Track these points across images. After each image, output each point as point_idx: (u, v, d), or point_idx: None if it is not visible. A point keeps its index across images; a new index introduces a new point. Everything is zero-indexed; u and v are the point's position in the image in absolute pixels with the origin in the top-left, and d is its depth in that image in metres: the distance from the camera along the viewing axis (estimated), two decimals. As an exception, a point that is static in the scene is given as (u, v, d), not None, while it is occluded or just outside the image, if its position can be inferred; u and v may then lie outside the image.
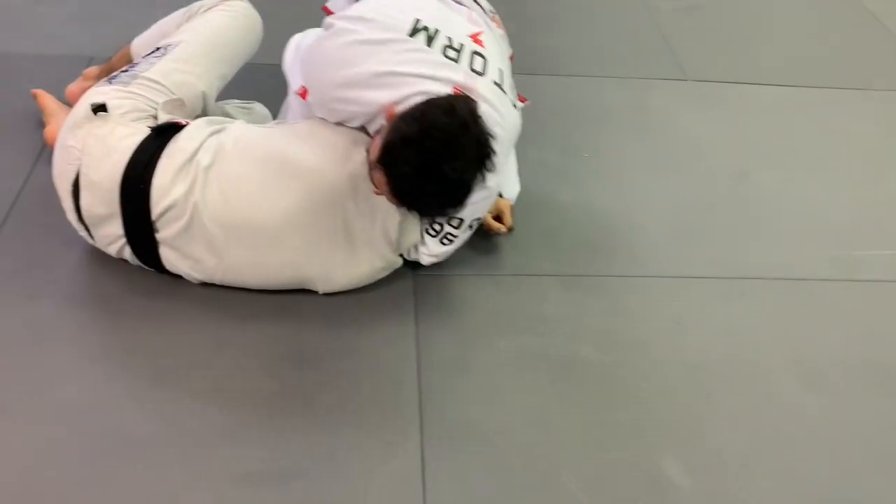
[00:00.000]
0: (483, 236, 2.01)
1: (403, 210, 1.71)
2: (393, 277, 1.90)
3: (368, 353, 1.76)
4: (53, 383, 1.64)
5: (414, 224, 1.81)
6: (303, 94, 1.81)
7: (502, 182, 2.00)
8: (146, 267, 1.82)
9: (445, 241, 1.83)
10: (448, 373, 1.73)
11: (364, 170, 1.69)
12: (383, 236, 1.77)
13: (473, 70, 1.69)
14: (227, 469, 1.53)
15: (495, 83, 1.71)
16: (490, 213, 1.97)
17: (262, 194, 1.70)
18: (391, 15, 1.70)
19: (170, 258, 1.78)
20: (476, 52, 1.71)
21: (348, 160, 1.70)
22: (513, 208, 2.04)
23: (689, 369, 1.81)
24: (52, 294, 1.81)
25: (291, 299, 1.84)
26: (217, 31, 1.99)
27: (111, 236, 1.77)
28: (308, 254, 1.75)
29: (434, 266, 1.92)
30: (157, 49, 1.94)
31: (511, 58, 2.04)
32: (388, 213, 1.75)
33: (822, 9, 3.33)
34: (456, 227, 1.80)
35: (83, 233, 1.82)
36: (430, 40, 1.67)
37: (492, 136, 1.57)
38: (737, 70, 2.85)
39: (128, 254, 1.80)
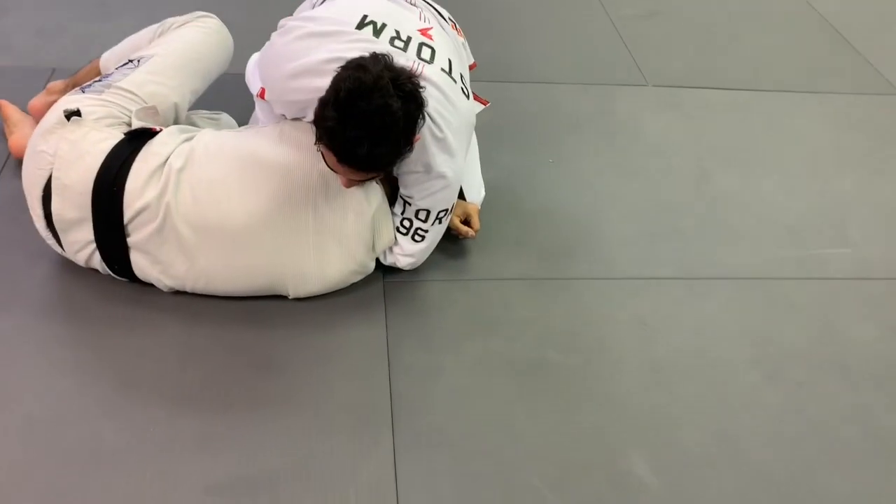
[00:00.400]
0: (452, 240, 2.04)
1: (375, 203, 1.79)
2: (363, 283, 1.92)
3: (339, 358, 1.78)
4: (22, 397, 1.63)
5: (386, 220, 1.83)
6: (261, 94, 1.85)
7: (469, 182, 2.04)
8: (116, 276, 1.82)
9: (417, 237, 1.85)
10: (418, 378, 1.76)
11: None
12: (356, 235, 1.79)
13: (420, 58, 1.73)
14: (198, 479, 1.53)
15: (443, 70, 1.74)
16: (458, 216, 2.00)
17: (232, 194, 1.72)
18: (339, 12, 1.78)
19: (140, 264, 1.78)
20: (424, 44, 1.76)
21: (318, 158, 1.71)
22: (480, 212, 2.07)
23: (654, 369, 1.85)
24: (18, 307, 1.80)
25: (262, 306, 1.85)
26: (191, 47, 2.01)
27: (81, 242, 1.77)
28: (279, 254, 1.76)
29: (404, 271, 1.94)
30: (130, 62, 1.94)
31: (473, 66, 2.08)
32: (359, 210, 1.77)
33: (776, 14, 3.42)
34: (424, 221, 1.82)
35: (51, 241, 1.81)
36: (376, 32, 1.73)
37: (410, 78, 1.57)
38: (695, 75, 2.92)
39: (97, 261, 1.80)
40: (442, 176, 1.75)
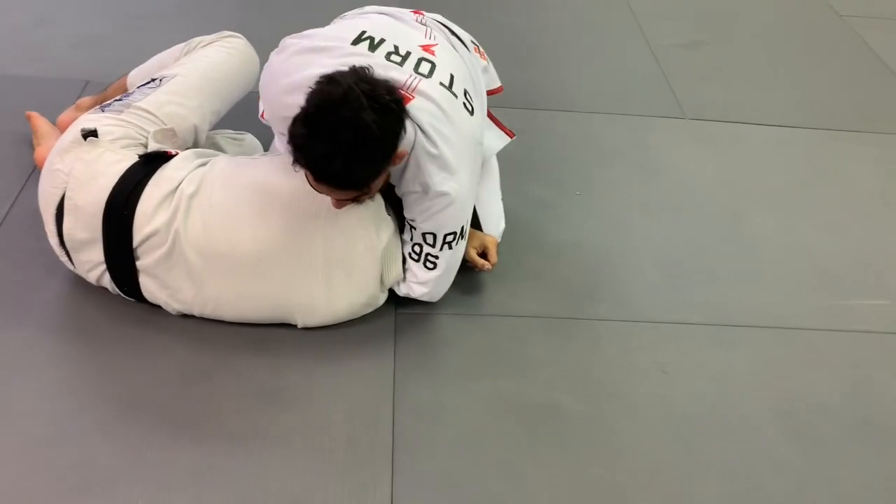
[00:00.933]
0: (468, 272, 1.98)
1: (386, 237, 1.75)
2: (375, 313, 1.87)
3: (344, 393, 1.73)
4: (23, 415, 1.62)
5: (396, 254, 1.79)
6: (262, 115, 1.84)
7: (487, 212, 1.99)
8: (125, 296, 1.81)
9: (429, 263, 1.79)
10: (423, 417, 1.70)
11: None
12: (366, 268, 1.75)
13: (418, 73, 1.68)
14: (191, 510, 1.50)
15: (442, 84, 1.69)
16: (474, 248, 1.94)
17: (242, 223, 1.70)
18: (338, 29, 1.78)
19: (149, 287, 1.76)
20: (423, 59, 1.72)
21: None
22: (498, 245, 2.01)
23: (672, 419, 1.77)
24: (28, 321, 1.80)
25: (270, 333, 1.82)
26: (214, 67, 2.00)
27: (91, 262, 1.76)
28: (287, 284, 1.73)
29: (417, 303, 1.89)
30: (153, 80, 1.94)
31: (499, 90, 2.03)
32: (369, 243, 1.73)
33: (824, 48, 3.31)
34: (432, 245, 1.76)
35: (64, 258, 1.81)
36: (373, 47, 1.70)
37: (390, 90, 1.52)
38: (736, 109, 2.83)
39: (107, 281, 1.79)
40: (442, 194, 1.68)
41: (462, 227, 1.77)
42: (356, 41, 1.71)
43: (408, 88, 1.64)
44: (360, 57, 1.65)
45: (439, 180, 1.67)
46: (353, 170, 1.51)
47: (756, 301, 2.09)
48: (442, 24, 1.90)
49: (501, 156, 2.10)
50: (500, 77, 2.08)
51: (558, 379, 1.82)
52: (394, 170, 1.68)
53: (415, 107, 1.63)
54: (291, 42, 1.76)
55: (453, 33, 1.89)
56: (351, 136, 1.46)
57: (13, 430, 1.59)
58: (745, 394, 1.85)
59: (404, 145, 1.61)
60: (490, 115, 1.98)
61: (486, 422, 1.71)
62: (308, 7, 3.04)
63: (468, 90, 1.76)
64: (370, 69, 1.54)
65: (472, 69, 1.86)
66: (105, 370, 1.73)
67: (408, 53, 1.71)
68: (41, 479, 1.52)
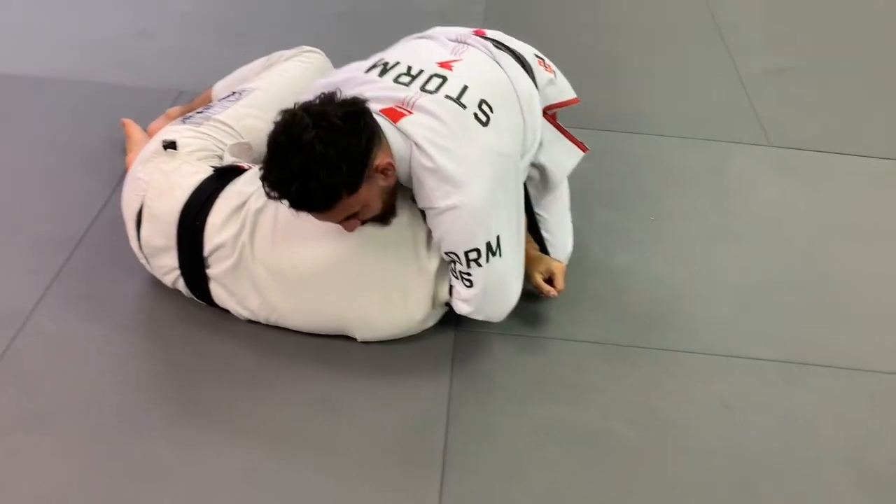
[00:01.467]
0: (529, 296, 1.97)
1: (436, 261, 1.76)
2: (435, 331, 1.89)
3: (399, 406, 1.76)
4: (95, 406, 1.71)
5: (447, 276, 1.80)
6: None
7: (556, 235, 1.98)
8: (197, 300, 1.89)
9: (465, 281, 1.74)
10: (475, 437, 1.71)
11: (401, 219, 1.73)
12: (419, 288, 1.77)
13: (424, 90, 1.69)
14: (242, 511, 1.55)
15: (448, 97, 1.68)
16: (541, 274, 1.93)
17: (304, 239, 1.74)
18: (361, 61, 1.81)
19: (219, 294, 1.84)
20: (436, 75, 1.72)
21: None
22: (566, 270, 1.99)
23: (731, 458, 1.71)
24: (107, 318, 1.90)
25: (332, 344, 1.86)
26: (292, 81, 2.07)
27: (166, 267, 1.85)
28: (345, 300, 1.77)
29: (475, 323, 1.89)
30: (234, 94, 2.03)
31: (573, 101, 1.99)
32: (421, 266, 1.75)
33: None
34: (460, 263, 1.71)
35: (143, 261, 1.91)
36: (384, 72, 1.74)
37: (345, 106, 1.56)
38: (825, 138, 2.72)
39: (181, 285, 1.87)
40: (448, 209, 1.63)
41: (487, 244, 1.68)
42: (368, 70, 1.76)
43: (406, 104, 1.66)
44: (369, 84, 1.71)
45: (441, 195, 1.63)
46: (311, 190, 1.53)
47: (832, 340, 2.00)
48: (497, 41, 1.88)
49: (570, 176, 2.09)
50: (580, 98, 2.06)
51: (615, 407, 1.79)
52: (406, 183, 1.70)
53: (409, 121, 1.64)
54: (317, 83, 1.82)
55: (508, 48, 1.87)
56: (298, 158, 1.50)
57: (84, 421, 1.68)
58: (814, 437, 1.77)
59: (398, 158, 1.63)
60: (560, 128, 1.94)
61: (539, 446, 1.70)
62: (393, 27, 3.11)
63: (487, 100, 1.71)
64: (339, 93, 1.59)
65: (518, 82, 1.81)
66: (173, 369, 1.81)
67: (420, 72, 1.72)
68: (106, 469, 1.60)
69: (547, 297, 1.92)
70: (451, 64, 1.76)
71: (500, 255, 1.71)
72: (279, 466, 1.63)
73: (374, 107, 1.65)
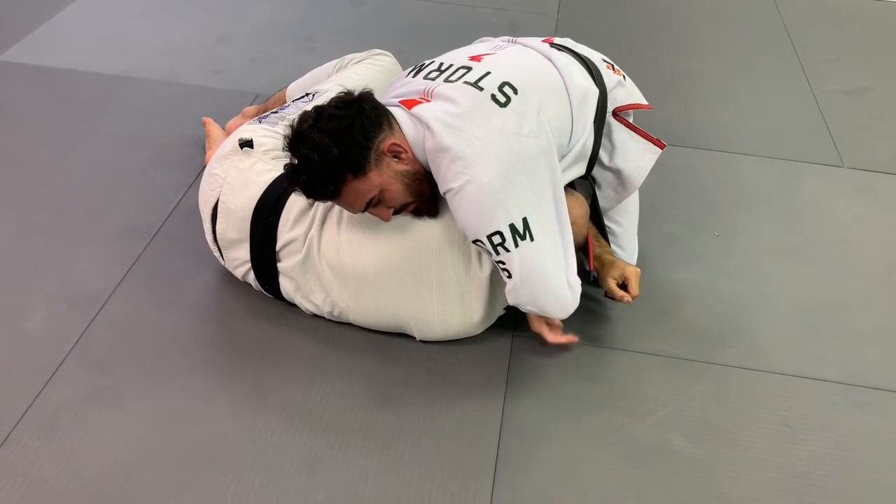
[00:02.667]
0: (590, 302, 1.98)
1: (488, 266, 1.77)
2: (493, 333, 1.91)
3: (454, 405, 1.78)
4: (165, 388, 1.79)
5: (501, 282, 1.80)
6: None
7: (625, 244, 1.99)
8: (266, 293, 1.95)
9: (504, 272, 1.70)
10: (528, 440, 1.72)
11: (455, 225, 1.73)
12: (475, 292, 1.79)
13: (448, 80, 1.72)
14: (299, 497, 1.59)
15: (466, 83, 1.69)
16: (615, 279, 1.90)
17: (366, 238, 1.79)
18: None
19: (286, 287, 1.89)
20: (462, 67, 1.75)
21: (440, 215, 1.77)
22: (640, 276, 1.92)
23: (790, 478, 1.68)
24: (180, 307, 1.98)
25: (391, 341, 1.90)
26: (363, 83, 2.10)
27: (239, 260, 1.92)
28: (403, 300, 1.81)
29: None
30: (306, 94, 2.10)
31: (645, 107, 1.96)
32: (475, 272, 1.77)
33: None
34: (490, 252, 1.66)
35: (216, 253, 1.98)
36: (417, 73, 1.82)
37: (335, 98, 1.69)
38: (901, 161, 2.65)
39: (251, 278, 1.94)
40: (461, 187, 1.61)
41: (511, 226, 1.61)
42: (408, 73, 1.86)
43: (426, 94, 1.71)
44: (402, 84, 1.81)
45: (452, 175, 1.61)
46: (314, 177, 1.64)
47: (902, 365, 1.95)
48: (560, 45, 1.89)
49: (638, 189, 2.08)
50: (651, 113, 2.03)
51: (673, 420, 1.78)
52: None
53: (422, 107, 1.67)
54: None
55: (570, 51, 1.87)
56: (299, 150, 1.64)
57: (152, 401, 1.76)
58: (878, 462, 1.72)
59: (413, 144, 1.67)
60: (633, 128, 1.91)
61: (592, 453, 1.70)
62: (462, 39, 3.15)
63: (511, 83, 1.68)
64: (353, 92, 1.71)
65: (569, 77, 1.78)
66: (240, 358, 1.87)
67: (449, 66, 1.77)
68: (172, 449, 1.67)
69: (620, 301, 1.89)
70: (482, 57, 1.78)
71: (532, 240, 1.64)
72: (337, 456, 1.67)
73: (393, 100, 1.73)
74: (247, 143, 1.90)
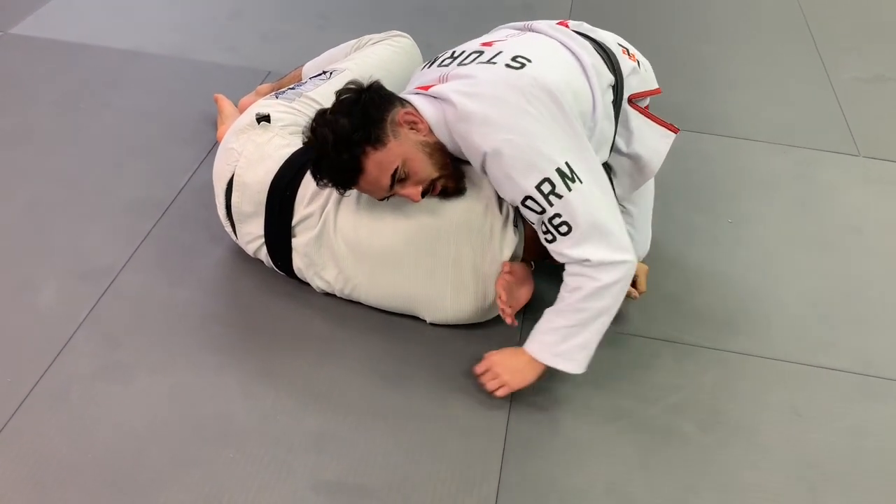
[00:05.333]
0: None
1: (507, 252, 1.76)
2: (501, 318, 1.90)
3: (463, 388, 1.78)
4: (175, 364, 1.79)
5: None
6: None
7: (638, 233, 1.97)
8: (277, 269, 1.95)
9: (563, 227, 1.60)
10: (537, 423, 1.71)
11: (477, 208, 1.74)
12: (491, 275, 1.78)
13: (462, 64, 1.73)
14: (309, 475, 1.59)
15: (479, 62, 1.69)
16: None
17: (385, 215, 1.78)
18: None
19: (299, 264, 1.89)
20: (475, 52, 1.75)
21: (463, 197, 1.75)
22: (648, 273, 1.95)
23: (800, 466, 1.68)
24: (191, 283, 1.98)
25: (402, 322, 1.90)
26: (380, 64, 2.11)
27: (252, 234, 1.91)
28: (417, 280, 1.80)
29: (541, 310, 1.88)
30: (324, 73, 2.08)
31: (656, 91, 1.95)
32: (493, 257, 1.76)
33: None
34: (542, 210, 1.60)
35: (228, 229, 1.98)
36: (432, 64, 1.84)
37: (339, 99, 1.68)
38: (920, 151, 2.63)
39: (263, 254, 1.93)
40: (498, 147, 1.57)
41: (558, 170, 1.57)
42: (423, 67, 1.88)
43: (441, 79, 1.71)
44: (422, 77, 1.81)
45: (483, 138, 1.58)
46: (334, 150, 1.62)
47: (914, 356, 1.93)
48: (576, 31, 1.86)
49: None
50: (664, 95, 2.00)
51: (682, 405, 1.77)
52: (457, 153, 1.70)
53: (438, 87, 1.67)
54: None
55: (586, 36, 1.84)
56: (317, 132, 1.65)
57: (163, 377, 1.76)
58: (890, 452, 1.72)
59: (434, 122, 1.66)
60: (648, 114, 1.89)
61: (601, 437, 1.70)
62: (477, 20, 3.14)
63: (523, 55, 1.66)
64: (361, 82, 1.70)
65: (583, 57, 1.74)
66: (250, 335, 1.87)
67: (461, 53, 1.78)
68: (181, 425, 1.67)
69: (628, 297, 1.89)
70: (494, 42, 1.78)
71: (581, 182, 1.58)
72: (346, 435, 1.67)
73: (409, 90, 1.75)
74: (264, 118, 1.89)
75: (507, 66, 1.64)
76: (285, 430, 1.67)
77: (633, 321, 1.96)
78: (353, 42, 2.21)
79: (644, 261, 2.02)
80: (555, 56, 1.73)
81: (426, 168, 1.67)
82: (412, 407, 1.73)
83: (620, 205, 1.94)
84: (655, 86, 1.94)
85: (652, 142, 1.87)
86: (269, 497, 1.55)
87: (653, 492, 1.61)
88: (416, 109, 1.68)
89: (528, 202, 1.60)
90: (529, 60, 1.65)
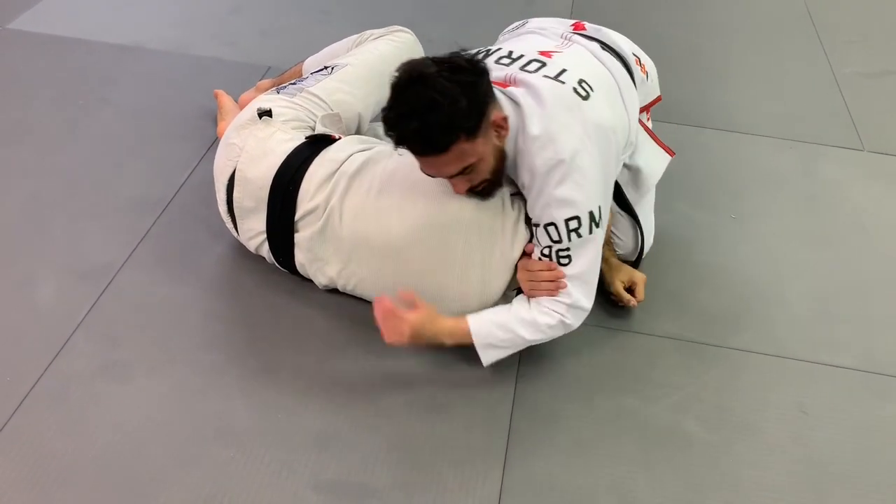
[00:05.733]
0: (603, 286, 1.95)
1: (518, 249, 1.74)
2: (506, 314, 1.89)
3: (466, 385, 1.76)
4: (175, 363, 1.78)
5: None
6: None
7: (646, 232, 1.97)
8: (279, 266, 1.93)
9: (562, 259, 1.68)
10: (540, 421, 1.70)
11: (492, 205, 1.73)
12: (499, 274, 1.76)
13: (524, 70, 1.70)
14: (309, 474, 1.58)
15: (546, 77, 1.67)
16: (623, 283, 1.92)
17: (393, 210, 1.76)
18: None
19: (301, 260, 1.87)
20: (535, 60, 1.73)
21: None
22: (646, 282, 1.94)
23: (805, 465, 1.66)
24: (191, 281, 1.96)
25: (404, 319, 1.88)
26: (381, 59, 2.09)
27: (254, 231, 1.89)
28: (424, 276, 1.78)
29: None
30: (325, 68, 2.07)
31: (657, 100, 2.00)
32: (504, 254, 1.75)
33: None
34: (558, 241, 1.65)
35: (230, 225, 1.96)
36: (486, 55, 1.78)
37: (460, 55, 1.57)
38: (925, 146, 2.61)
39: (265, 251, 1.92)
40: (549, 169, 1.60)
41: (590, 213, 1.64)
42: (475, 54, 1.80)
43: (508, 79, 1.69)
44: None
45: (541, 160, 1.61)
46: (431, 124, 1.50)
47: (920, 353, 1.92)
48: (602, 42, 1.86)
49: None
50: (666, 90, 2.05)
51: (686, 404, 1.76)
52: (509, 165, 1.69)
53: (514, 90, 1.65)
54: None
55: (611, 49, 1.86)
56: (420, 92, 1.50)
57: (162, 376, 1.75)
58: (893, 450, 1.71)
59: (510, 119, 1.62)
60: (649, 131, 1.95)
61: (604, 436, 1.69)
62: (479, 13, 3.11)
63: (586, 80, 1.69)
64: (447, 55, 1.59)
65: (620, 77, 1.80)
66: (251, 333, 1.86)
67: (520, 56, 1.74)
68: (181, 424, 1.66)
69: (626, 305, 1.92)
70: (552, 53, 1.76)
71: (599, 228, 1.67)
72: (349, 434, 1.66)
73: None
74: (265, 113, 1.88)
75: (575, 90, 1.66)
76: (286, 428, 1.66)
77: (635, 318, 1.95)
78: (354, 37, 2.19)
79: (647, 256, 2.00)
80: (608, 85, 1.75)
81: (488, 171, 1.65)
82: (414, 405, 1.72)
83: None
84: (658, 93, 1.96)
85: (652, 159, 1.92)
86: (269, 496, 1.54)
87: (656, 491, 1.59)
88: (505, 116, 1.63)
89: (550, 228, 1.65)
90: (592, 90, 1.68)
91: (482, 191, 1.70)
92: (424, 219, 1.74)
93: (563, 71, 1.69)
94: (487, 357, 1.72)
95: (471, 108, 1.53)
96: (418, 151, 1.58)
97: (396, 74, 1.55)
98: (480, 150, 1.59)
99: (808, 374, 1.85)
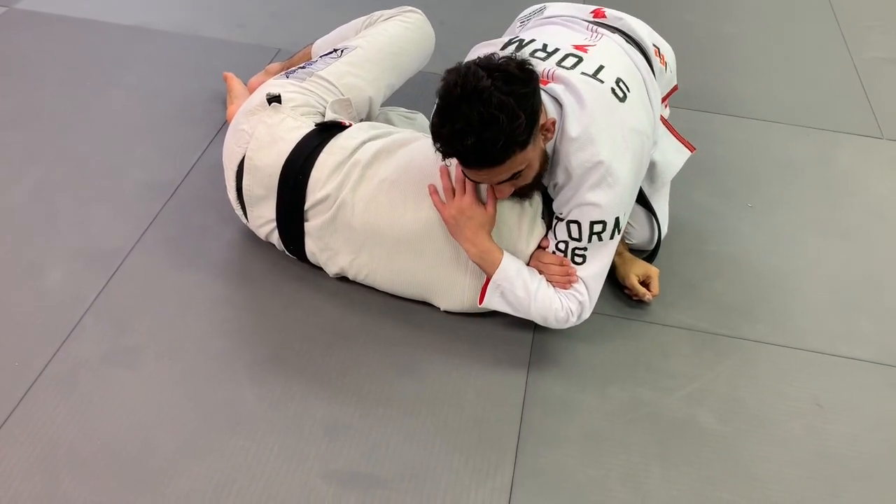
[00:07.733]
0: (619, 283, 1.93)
1: (533, 244, 1.72)
2: (518, 303, 1.87)
3: (478, 375, 1.75)
4: (184, 349, 1.76)
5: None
6: None
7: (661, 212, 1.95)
8: (289, 253, 1.91)
9: (577, 258, 1.69)
10: (552, 411, 1.68)
11: (507, 201, 1.70)
12: None
13: (560, 65, 1.68)
14: (319, 463, 1.57)
15: (584, 73, 1.65)
16: (637, 276, 1.90)
17: (407, 200, 1.74)
18: (485, 41, 1.85)
19: (312, 248, 1.85)
20: (571, 55, 1.71)
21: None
22: (659, 275, 1.92)
23: (820, 458, 1.64)
24: (200, 266, 1.95)
25: (415, 308, 1.86)
26: (392, 41, 2.06)
27: (263, 218, 1.87)
28: (436, 267, 1.76)
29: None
30: (335, 51, 2.03)
31: (674, 90, 1.99)
32: (517, 247, 1.72)
33: None
34: (577, 239, 1.66)
35: (239, 211, 1.94)
36: (520, 48, 1.75)
37: (509, 60, 1.48)
38: (945, 134, 2.56)
39: (275, 238, 1.90)
40: (590, 171, 1.59)
41: (616, 219, 1.64)
42: (504, 46, 1.78)
43: (546, 74, 1.66)
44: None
45: (578, 161, 1.59)
46: (488, 140, 1.44)
47: (939, 346, 1.89)
48: (626, 35, 1.83)
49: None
50: (682, 77, 2.01)
51: (701, 395, 1.74)
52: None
53: (550, 87, 1.62)
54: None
55: (633, 41, 1.83)
56: (476, 107, 1.42)
57: (172, 362, 1.74)
58: (911, 444, 1.68)
59: (552, 116, 1.59)
60: (669, 126, 1.92)
61: (617, 427, 1.67)
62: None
63: (623, 80, 1.68)
64: (494, 55, 1.51)
65: (645, 72, 1.78)
66: (260, 319, 1.84)
67: (556, 50, 1.72)
68: (190, 410, 1.65)
69: (641, 299, 1.89)
70: (587, 47, 1.73)
71: (619, 232, 1.68)
72: (357, 423, 1.64)
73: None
74: (275, 99, 1.85)
75: (613, 91, 1.65)
76: (296, 417, 1.65)
77: (650, 309, 1.92)
78: (363, 19, 2.15)
79: (662, 244, 1.97)
80: (639, 84, 1.74)
81: (533, 175, 1.62)
82: (424, 395, 1.70)
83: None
84: (675, 83, 1.94)
85: (669, 153, 1.90)
86: (278, 485, 1.53)
87: (670, 483, 1.58)
88: (553, 120, 1.59)
89: (573, 225, 1.65)
90: (629, 90, 1.67)
91: (523, 194, 1.68)
92: (437, 212, 1.71)
93: (601, 68, 1.67)
94: (490, 301, 1.71)
95: (528, 120, 1.47)
96: (472, 165, 1.52)
97: (445, 84, 1.47)
98: (530, 156, 1.55)
99: (823, 367, 1.82)
